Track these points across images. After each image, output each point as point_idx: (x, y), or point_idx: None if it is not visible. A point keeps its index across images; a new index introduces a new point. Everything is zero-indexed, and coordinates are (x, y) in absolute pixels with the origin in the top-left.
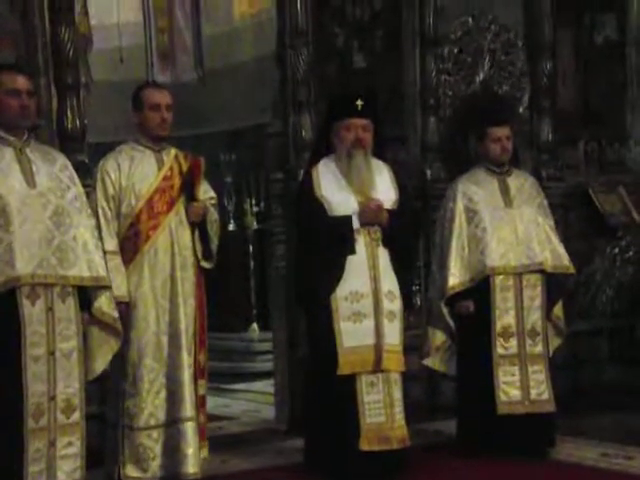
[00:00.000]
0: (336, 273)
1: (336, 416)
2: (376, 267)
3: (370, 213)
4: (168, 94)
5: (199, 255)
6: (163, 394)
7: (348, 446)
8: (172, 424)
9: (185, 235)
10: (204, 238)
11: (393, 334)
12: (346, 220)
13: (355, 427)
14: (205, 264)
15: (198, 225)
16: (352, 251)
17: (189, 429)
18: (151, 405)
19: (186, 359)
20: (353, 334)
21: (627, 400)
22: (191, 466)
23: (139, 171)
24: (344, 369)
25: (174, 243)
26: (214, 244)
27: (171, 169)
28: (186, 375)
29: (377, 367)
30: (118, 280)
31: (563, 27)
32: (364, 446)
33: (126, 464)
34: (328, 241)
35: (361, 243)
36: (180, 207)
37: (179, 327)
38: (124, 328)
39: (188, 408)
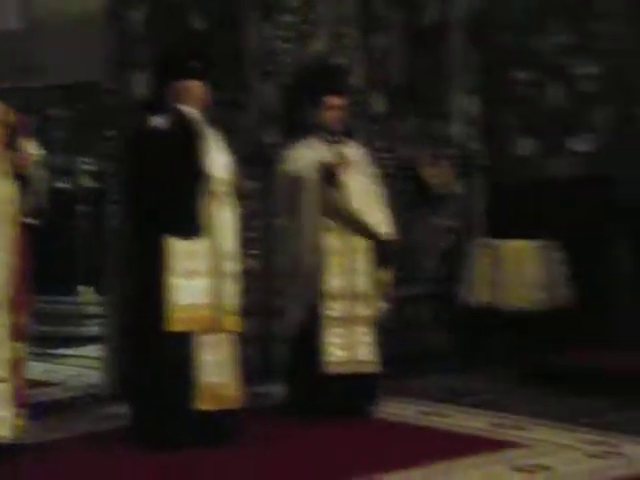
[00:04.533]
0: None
1: (169, 376)
2: (214, 226)
3: None
4: None
5: (23, 210)
6: None
7: (182, 407)
8: None
9: (4, 187)
10: (29, 193)
11: (231, 295)
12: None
13: (190, 387)
14: (30, 220)
15: (23, 179)
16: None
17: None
18: None
19: None
20: (187, 291)
21: (448, 363)
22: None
23: None
24: (176, 326)
25: None
26: (42, 200)
27: None
28: None
29: (215, 326)
30: None
31: (395, 4)
32: (200, 405)
33: None
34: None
35: None
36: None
37: None
38: None
39: None
